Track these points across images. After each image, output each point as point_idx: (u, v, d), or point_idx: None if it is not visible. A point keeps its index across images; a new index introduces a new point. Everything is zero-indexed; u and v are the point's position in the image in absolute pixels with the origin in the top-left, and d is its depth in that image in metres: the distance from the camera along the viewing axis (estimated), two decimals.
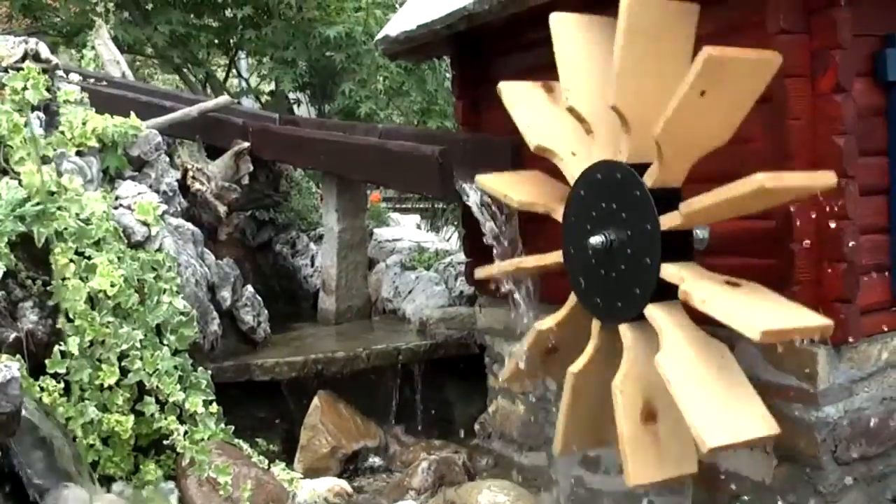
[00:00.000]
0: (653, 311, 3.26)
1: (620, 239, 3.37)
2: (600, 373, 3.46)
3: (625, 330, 3.38)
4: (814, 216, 3.28)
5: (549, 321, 3.80)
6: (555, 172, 3.84)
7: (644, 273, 3.28)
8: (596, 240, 3.40)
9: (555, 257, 3.77)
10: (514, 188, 4.00)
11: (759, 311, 2.96)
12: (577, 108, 3.50)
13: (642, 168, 3.29)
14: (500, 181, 4.10)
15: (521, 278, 4.25)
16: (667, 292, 3.25)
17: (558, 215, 3.74)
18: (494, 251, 4.33)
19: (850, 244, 3.25)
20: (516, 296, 4.23)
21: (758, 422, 3.06)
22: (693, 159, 3.23)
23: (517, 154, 4.48)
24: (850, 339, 3.32)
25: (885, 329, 3.46)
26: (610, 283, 3.43)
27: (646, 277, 3.28)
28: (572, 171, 3.63)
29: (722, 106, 3.06)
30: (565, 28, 3.56)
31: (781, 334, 2.94)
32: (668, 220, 3.19)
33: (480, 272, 4.31)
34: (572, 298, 3.69)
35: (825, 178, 2.97)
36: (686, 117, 3.03)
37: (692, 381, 3.07)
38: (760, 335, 2.81)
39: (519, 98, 3.89)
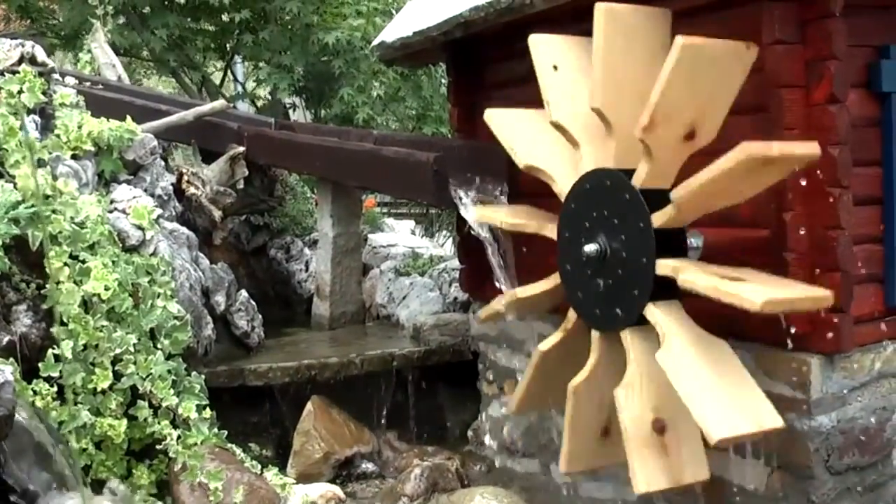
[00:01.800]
0: (653, 311, 3.26)
1: (614, 244, 3.38)
2: (602, 385, 3.45)
3: (626, 335, 3.38)
4: (808, 225, 3.29)
5: (550, 341, 3.79)
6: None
7: (641, 273, 3.28)
8: (590, 248, 3.41)
9: (554, 280, 3.77)
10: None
11: (759, 286, 2.97)
12: (562, 123, 3.56)
13: (630, 173, 3.31)
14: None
15: (523, 311, 4.26)
16: (665, 292, 3.25)
17: (549, 232, 3.76)
18: (491, 262, 4.35)
19: (844, 254, 3.26)
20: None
21: (763, 414, 3.05)
22: (681, 159, 3.24)
23: (512, 161, 4.49)
24: (844, 349, 3.33)
25: (879, 339, 3.47)
26: (608, 291, 3.44)
27: (643, 277, 3.28)
28: (562, 188, 3.64)
29: (701, 96, 3.08)
30: (545, 47, 3.66)
31: (782, 304, 2.94)
32: (661, 216, 3.19)
33: (484, 314, 4.30)
34: (571, 315, 3.69)
35: (810, 148, 2.98)
36: (667, 109, 3.05)
37: (696, 376, 3.07)
38: (762, 304, 2.81)
39: (505, 120, 3.94)
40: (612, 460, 3.59)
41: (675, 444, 3.28)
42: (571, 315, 3.68)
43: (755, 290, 2.88)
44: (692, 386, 3.04)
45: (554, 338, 3.76)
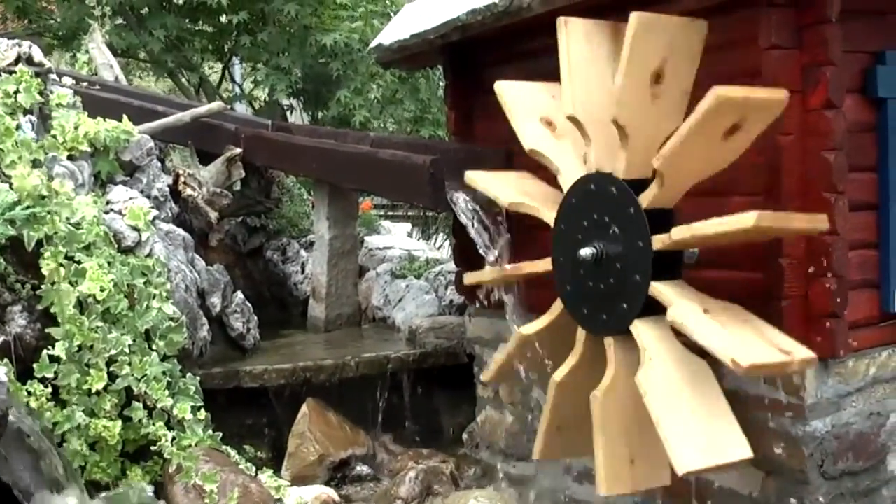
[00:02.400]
0: (639, 328, 3.27)
1: (611, 253, 3.37)
2: (583, 382, 3.47)
3: (610, 343, 3.39)
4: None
5: (534, 326, 3.80)
6: (549, 179, 3.85)
7: (633, 290, 3.29)
8: (586, 252, 3.41)
9: (545, 265, 3.77)
10: (503, 188, 3.99)
11: (745, 343, 2.97)
12: (578, 115, 3.45)
13: (637, 184, 3.28)
14: (489, 179, 4.09)
15: (510, 286, 4.26)
16: (653, 307, 3.26)
17: (545, 216, 3.73)
18: (486, 261, 4.34)
19: (839, 259, 3.27)
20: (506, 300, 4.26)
21: (733, 446, 3.08)
22: (690, 184, 3.24)
23: (509, 164, 4.51)
24: (839, 355, 3.33)
25: (874, 344, 3.48)
26: (597, 294, 3.44)
27: (634, 294, 3.28)
28: (566, 178, 3.62)
29: (727, 142, 3.06)
30: (573, 32, 3.48)
31: (766, 368, 2.95)
32: (660, 241, 3.19)
33: (470, 278, 4.31)
34: (558, 304, 3.70)
35: (818, 222, 2.99)
36: (690, 151, 3.05)
37: (671, 402, 3.09)
38: (745, 370, 2.82)
39: (518, 98, 3.86)
40: (583, 452, 3.57)
41: (643, 451, 3.33)
42: (558, 304, 3.69)
43: (740, 352, 2.88)
44: (666, 412, 3.06)
45: (539, 322, 3.77)
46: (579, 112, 3.46)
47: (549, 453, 3.77)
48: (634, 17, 3.09)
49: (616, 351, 3.37)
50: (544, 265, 3.77)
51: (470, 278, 4.32)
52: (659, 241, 3.19)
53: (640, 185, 3.27)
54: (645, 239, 3.22)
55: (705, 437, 3.03)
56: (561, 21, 3.47)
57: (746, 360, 2.82)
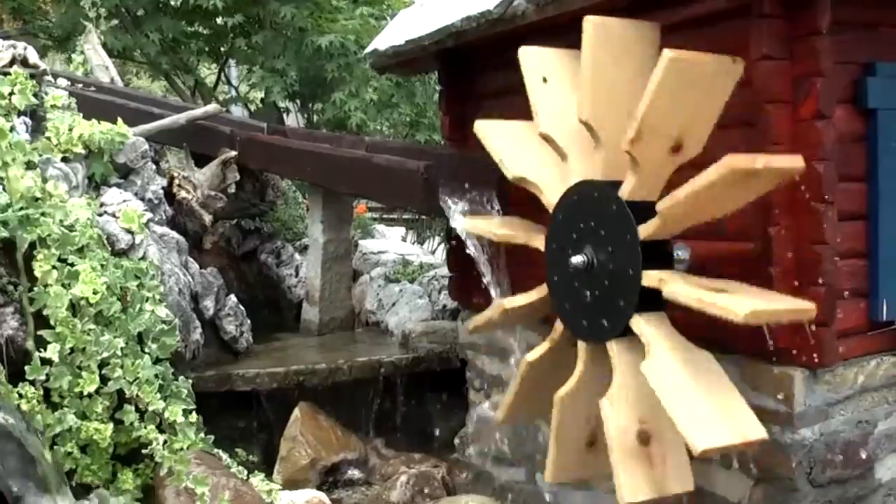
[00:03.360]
0: (638, 322, 3.27)
1: (601, 256, 3.39)
2: (589, 396, 3.45)
3: (612, 346, 3.39)
4: (792, 240, 3.31)
5: (537, 352, 3.80)
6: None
7: (627, 284, 3.29)
8: (577, 259, 3.42)
9: (542, 291, 3.79)
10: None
11: (743, 297, 2.98)
12: (550, 135, 3.57)
13: (618, 185, 3.32)
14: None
15: (511, 323, 4.27)
16: (651, 303, 3.26)
17: (537, 243, 3.77)
18: (481, 272, 4.36)
19: (828, 269, 3.28)
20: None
21: (747, 425, 3.06)
22: (667, 171, 3.26)
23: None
24: (828, 363, 3.34)
25: (862, 353, 3.50)
26: (594, 302, 3.45)
27: (629, 288, 3.29)
28: (550, 199, 3.66)
29: (687, 109, 3.10)
30: (535, 59, 3.67)
31: (766, 315, 2.95)
32: (647, 228, 3.21)
33: (472, 325, 4.30)
34: (558, 327, 3.71)
35: (794, 162, 3.00)
36: (654, 122, 3.07)
37: (680, 386, 3.07)
38: (745, 316, 2.81)
39: (494, 131, 3.95)
40: (598, 471, 3.60)
41: (660, 456, 3.29)
42: (558, 326, 3.69)
43: (739, 302, 2.90)
44: (676, 396, 3.04)
45: (541, 348, 3.77)
46: (551, 129, 3.56)
47: (561, 476, 3.69)
48: (588, 20, 3.25)
49: (620, 353, 3.37)
50: (541, 291, 3.78)
51: (473, 325, 4.29)
52: (645, 230, 3.20)
53: (620, 185, 3.31)
54: (631, 231, 3.24)
55: (719, 417, 3.01)
56: (521, 51, 3.67)
57: (748, 308, 2.82)
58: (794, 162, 3.00)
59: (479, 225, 4.21)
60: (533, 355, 3.74)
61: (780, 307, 3.01)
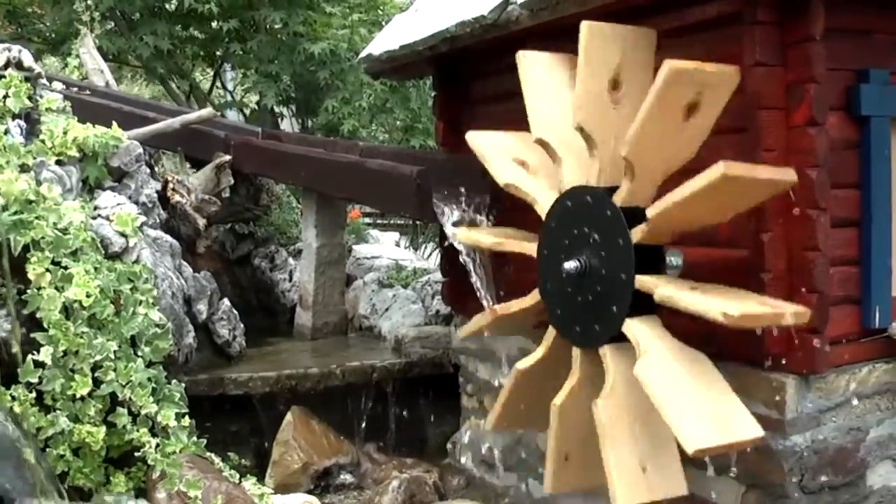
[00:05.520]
0: (631, 325, 3.28)
1: (594, 261, 3.39)
2: (584, 403, 3.44)
3: (606, 352, 3.39)
4: (785, 246, 3.32)
5: (529, 360, 3.79)
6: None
7: (619, 288, 3.29)
8: (570, 265, 3.42)
9: (534, 297, 3.79)
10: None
11: (735, 301, 2.98)
12: (545, 140, 3.57)
13: (611, 191, 3.33)
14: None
15: (503, 332, 4.28)
16: (643, 307, 3.27)
17: (528, 250, 3.78)
18: (471, 277, 4.37)
19: (821, 275, 3.29)
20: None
21: (743, 425, 3.05)
22: (661, 177, 3.26)
23: None
24: (819, 370, 3.35)
25: (854, 360, 3.50)
26: (587, 307, 3.45)
27: (621, 292, 3.29)
28: (543, 206, 3.67)
29: (690, 123, 3.10)
30: (532, 65, 3.66)
31: (756, 319, 2.96)
32: (639, 232, 3.21)
33: (463, 332, 4.30)
34: (550, 333, 3.71)
35: (787, 175, 3.01)
36: (653, 130, 3.07)
37: (673, 387, 3.06)
38: (737, 318, 2.83)
39: (486, 142, 3.97)
40: (598, 482, 3.56)
41: (653, 460, 3.29)
42: (551, 333, 3.69)
43: (730, 305, 2.90)
44: (669, 397, 3.03)
45: (533, 356, 3.76)
46: (546, 134, 3.57)
47: (561, 486, 3.67)
48: (585, 25, 3.22)
49: (613, 358, 3.37)
50: (534, 297, 3.78)
51: (465, 332, 4.29)
52: (637, 233, 3.21)
53: (614, 190, 3.32)
54: (624, 236, 3.24)
55: (713, 417, 3.00)
56: (519, 55, 3.65)
57: (737, 310, 2.83)
58: (787, 175, 3.01)
59: (473, 236, 4.22)
60: (525, 363, 3.74)
61: (771, 311, 3.00)
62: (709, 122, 3.13)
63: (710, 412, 3.04)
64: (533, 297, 3.78)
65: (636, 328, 3.26)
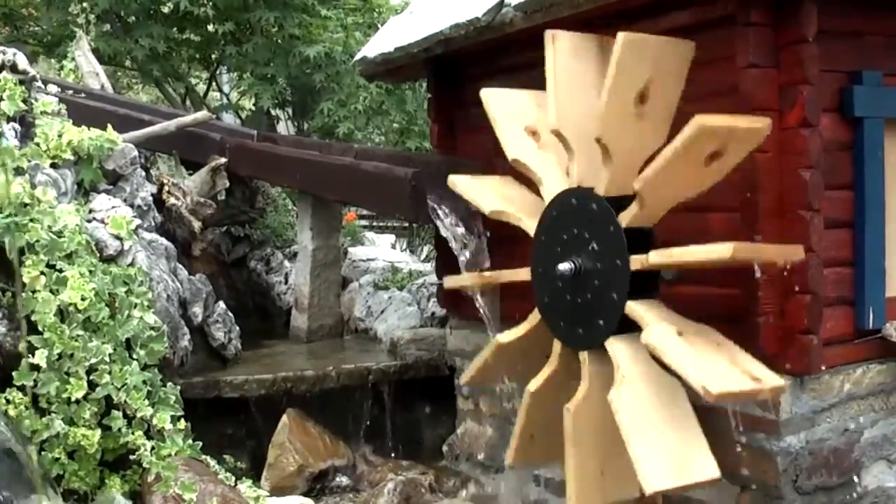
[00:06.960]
0: (614, 346, 3.29)
1: (589, 269, 3.40)
2: (558, 393, 3.49)
3: (585, 358, 3.41)
4: None
5: (510, 334, 3.81)
6: (531, 185, 3.88)
7: (609, 307, 3.31)
8: (564, 266, 3.43)
9: (524, 274, 3.79)
10: (485, 194, 4.00)
11: (716, 370, 3.00)
12: (562, 129, 3.48)
13: (618, 201, 3.32)
14: (472, 183, 4.10)
15: (489, 294, 4.27)
16: (629, 325, 3.28)
17: (526, 226, 3.76)
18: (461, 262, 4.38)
19: (815, 276, 3.30)
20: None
21: (701, 466, 3.10)
22: (670, 205, 3.27)
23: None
24: (813, 371, 3.36)
25: (848, 361, 3.51)
26: (574, 308, 3.46)
27: (610, 312, 3.31)
28: (548, 190, 3.65)
29: (709, 168, 3.09)
30: (560, 46, 3.50)
31: (735, 396, 2.98)
32: (638, 262, 3.22)
33: (450, 281, 4.32)
34: (535, 315, 3.71)
35: (794, 252, 3.03)
36: (671, 176, 3.08)
37: (642, 422, 3.11)
38: (714, 396, 2.86)
39: (503, 107, 3.88)
40: (558, 459, 3.57)
41: (614, 461, 3.34)
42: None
43: (711, 378, 2.92)
44: (635, 430, 3.09)
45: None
46: (564, 126, 3.49)
47: (522, 460, 3.79)
48: (622, 37, 3.10)
49: (590, 365, 3.39)
50: (524, 274, 3.79)
51: (450, 282, 4.33)
52: (637, 262, 3.21)
53: (621, 202, 3.30)
54: (623, 258, 3.25)
55: (674, 458, 3.05)
56: (549, 35, 3.49)
57: (717, 387, 2.86)
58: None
59: (468, 191, 4.10)
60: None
61: (749, 388, 2.99)
62: (729, 166, 3.13)
63: (672, 452, 3.08)
64: (524, 273, 3.78)
65: (619, 350, 3.27)
